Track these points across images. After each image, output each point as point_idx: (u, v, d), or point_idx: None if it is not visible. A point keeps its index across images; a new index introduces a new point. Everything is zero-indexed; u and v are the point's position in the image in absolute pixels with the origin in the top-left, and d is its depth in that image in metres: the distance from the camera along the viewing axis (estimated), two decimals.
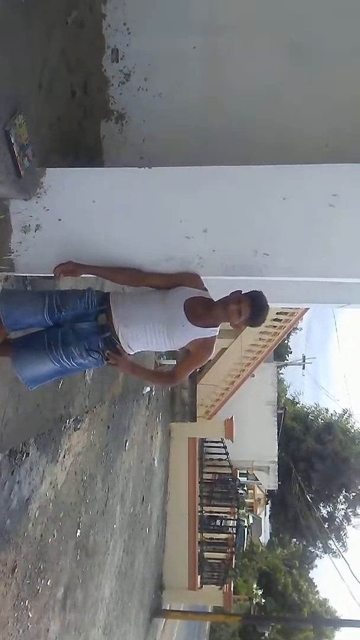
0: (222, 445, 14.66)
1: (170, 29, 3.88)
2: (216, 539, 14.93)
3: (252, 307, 2.63)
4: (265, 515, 30.83)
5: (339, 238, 2.73)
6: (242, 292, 2.69)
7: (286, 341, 31.36)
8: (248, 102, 3.79)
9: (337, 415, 30.16)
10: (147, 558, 9.99)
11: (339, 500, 29.51)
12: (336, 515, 30.04)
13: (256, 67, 3.80)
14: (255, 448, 19.04)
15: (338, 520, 30.04)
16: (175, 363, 8.63)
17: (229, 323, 2.72)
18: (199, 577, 12.56)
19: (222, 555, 14.19)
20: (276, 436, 20.39)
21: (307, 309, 13.38)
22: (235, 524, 15.90)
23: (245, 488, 23.07)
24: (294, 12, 3.79)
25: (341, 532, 30.00)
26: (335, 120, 3.64)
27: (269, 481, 22.19)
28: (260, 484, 23.43)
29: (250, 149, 3.59)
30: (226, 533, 15.80)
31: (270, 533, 33.75)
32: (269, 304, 2.70)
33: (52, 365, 2.70)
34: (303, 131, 3.65)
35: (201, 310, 2.69)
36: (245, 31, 3.82)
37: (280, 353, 29.23)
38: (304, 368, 30.46)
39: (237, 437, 13.18)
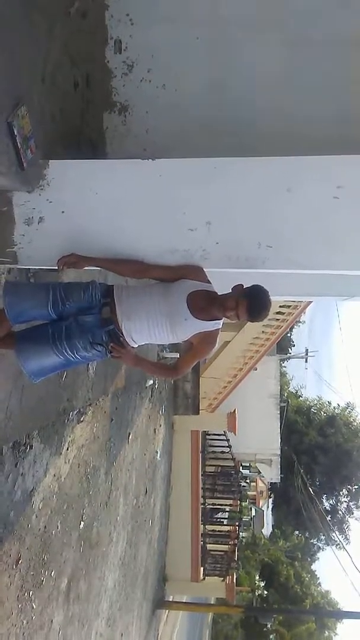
0: (224, 438, 14.68)
1: (174, 20, 3.85)
2: (219, 531, 14.98)
3: (250, 310, 2.60)
4: (267, 507, 30.93)
5: (343, 230, 2.71)
6: (243, 288, 2.66)
7: (289, 334, 31.36)
8: (252, 93, 3.77)
9: (340, 408, 30.27)
10: (150, 550, 10.04)
11: (341, 492, 29.63)
12: (338, 507, 30.17)
13: (260, 57, 3.77)
14: (258, 441, 19.12)
15: (340, 513, 30.18)
16: (178, 355, 8.63)
17: None
18: (201, 568, 12.62)
19: (224, 547, 14.24)
20: (279, 429, 20.47)
21: (310, 302, 13.36)
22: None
23: (248, 480, 23.13)
24: (297, 1, 3.76)
25: (343, 525, 30.15)
26: (341, 110, 3.61)
27: (272, 474, 22.29)
28: (263, 477, 23.51)
29: (255, 140, 3.57)
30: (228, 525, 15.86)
31: (272, 525, 33.89)
32: (271, 297, 2.68)
33: (56, 358, 2.70)
34: (308, 121, 3.62)
35: (204, 303, 2.68)
36: (249, 21, 3.79)
37: (282, 346, 29.25)
38: (306, 361, 30.49)
39: (239, 430, 13.20)
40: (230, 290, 2.71)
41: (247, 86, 3.80)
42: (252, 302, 2.61)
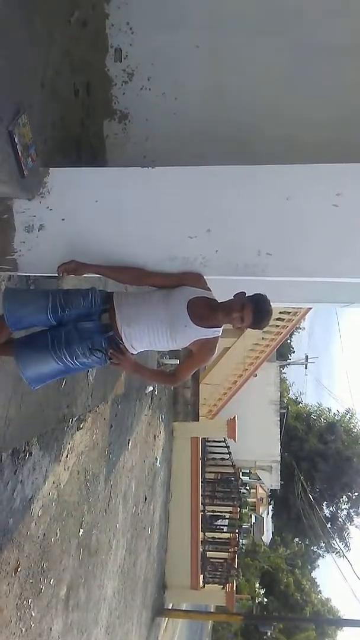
0: (224, 444, 14.65)
1: (173, 28, 3.88)
2: (218, 538, 14.91)
3: (255, 313, 2.62)
4: (267, 514, 30.85)
5: (343, 238, 2.72)
6: (246, 295, 2.68)
7: (289, 341, 31.36)
8: (252, 101, 3.79)
9: (340, 414, 30.21)
10: (150, 557, 9.99)
11: (341, 499, 29.52)
12: (339, 514, 30.06)
13: (260, 64, 3.79)
14: (258, 447, 19.05)
15: (341, 520, 30.06)
16: (178, 362, 8.63)
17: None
18: (201, 576, 12.56)
19: (224, 555, 14.17)
20: (279, 436, 20.41)
21: (310, 308, 13.38)
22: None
23: (248, 487, 23.07)
24: (296, 8, 3.78)
25: (344, 532, 30.02)
26: (341, 116, 3.63)
27: (272, 481, 22.21)
28: (263, 484, 23.45)
29: (255, 146, 3.59)
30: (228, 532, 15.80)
31: (272, 532, 33.77)
32: (271, 303, 2.70)
33: (56, 364, 2.70)
34: (309, 126, 3.64)
35: (204, 310, 2.69)
36: (248, 29, 3.82)
37: (282, 352, 29.25)
38: (306, 367, 30.46)
39: (239, 437, 13.17)
40: (233, 297, 2.72)
41: (247, 93, 3.82)
42: (257, 307, 2.64)
